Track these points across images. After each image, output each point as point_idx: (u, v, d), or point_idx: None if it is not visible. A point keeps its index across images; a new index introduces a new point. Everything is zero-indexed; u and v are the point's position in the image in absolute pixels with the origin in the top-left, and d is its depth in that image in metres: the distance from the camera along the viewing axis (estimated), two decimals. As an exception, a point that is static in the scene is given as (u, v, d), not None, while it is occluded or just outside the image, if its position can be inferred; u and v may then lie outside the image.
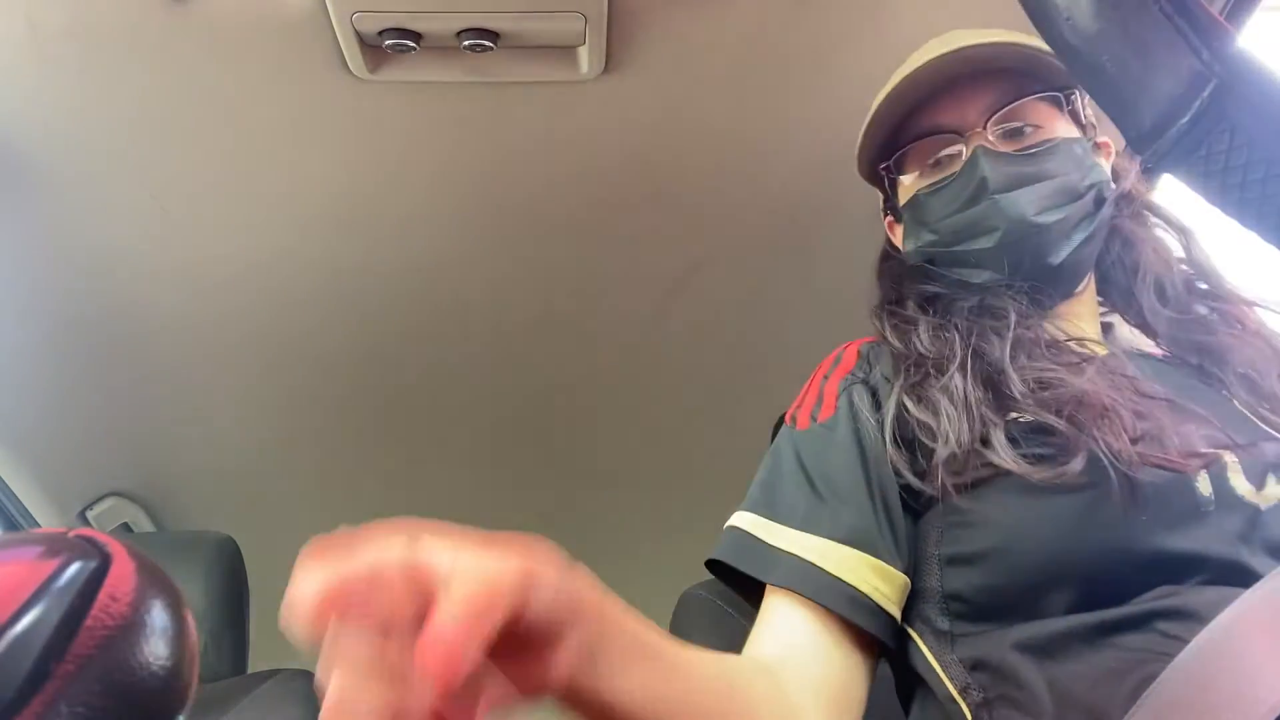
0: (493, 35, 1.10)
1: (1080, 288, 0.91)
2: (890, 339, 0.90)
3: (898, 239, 1.00)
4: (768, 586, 0.78)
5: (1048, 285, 0.87)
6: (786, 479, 0.83)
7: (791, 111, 1.27)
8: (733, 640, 1.21)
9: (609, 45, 1.14)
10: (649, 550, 2.01)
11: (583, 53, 1.15)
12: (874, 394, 0.86)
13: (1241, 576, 0.68)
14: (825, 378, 0.90)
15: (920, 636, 0.79)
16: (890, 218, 1.03)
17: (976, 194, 0.86)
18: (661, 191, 1.39)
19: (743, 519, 0.84)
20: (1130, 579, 0.69)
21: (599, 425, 1.77)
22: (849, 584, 0.75)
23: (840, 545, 0.77)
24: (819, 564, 0.76)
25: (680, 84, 1.23)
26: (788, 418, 0.90)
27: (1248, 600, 0.57)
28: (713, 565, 0.84)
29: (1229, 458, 0.73)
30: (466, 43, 1.10)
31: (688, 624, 1.24)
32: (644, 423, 1.77)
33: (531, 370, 1.67)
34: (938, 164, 0.92)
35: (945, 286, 0.91)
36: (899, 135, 0.95)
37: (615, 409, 1.75)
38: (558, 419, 1.76)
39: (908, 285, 0.94)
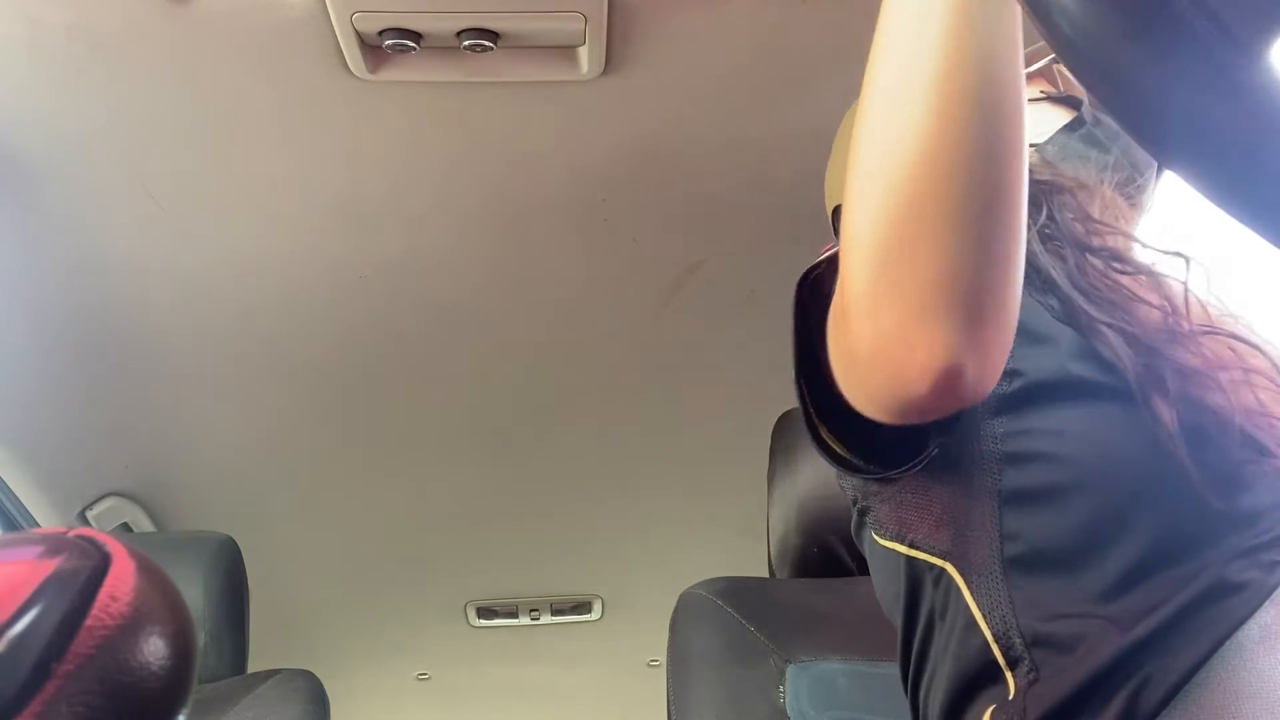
0: (493, 35, 1.10)
1: None
2: None
3: None
4: None
5: None
6: None
7: (791, 111, 1.27)
8: (733, 640, 1.22)
9: (609, 45, 1.14)
10: (649, 549, 2.01)
11: (583, 53, 1.15)
12: None
13: None
14: None
15: (964, 577, 0.74)
16: None
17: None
18: (660, 190, 1.39)
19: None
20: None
21: (599, 424, 1.77)
22: None
23: None
24: None
25: (680, 84, 1.23)
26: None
27: None
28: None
29: None
30: (466, 43, 1.10)
31: (688, 624, 1.24)
32: (644, 422, 1.77)
33: (531, 369, 1.67)
34: None
35: None
36: None
37: (615, 408, 1.75)
38: (558, 418, 1.76)
39: None
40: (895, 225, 0.55)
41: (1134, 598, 0.67)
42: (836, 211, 1.01)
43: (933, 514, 0.76)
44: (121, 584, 0.40)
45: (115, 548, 0.42)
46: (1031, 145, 0.89)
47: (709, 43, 1.17)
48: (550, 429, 1.78)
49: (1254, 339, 0.73)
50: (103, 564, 0.41)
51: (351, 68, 1.14)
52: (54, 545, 0.41)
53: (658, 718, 1.21)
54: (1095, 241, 0.78)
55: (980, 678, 0.72)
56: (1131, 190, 0.84)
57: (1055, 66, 0.95)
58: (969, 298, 0.55)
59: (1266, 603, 0.63)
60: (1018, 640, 0.69)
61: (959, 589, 0.74)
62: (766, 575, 1.41)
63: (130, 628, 0.39)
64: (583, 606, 2.19)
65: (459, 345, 1.61)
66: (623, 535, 1.99)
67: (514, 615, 2.19)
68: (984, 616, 0.72)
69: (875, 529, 0.83)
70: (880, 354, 0.57)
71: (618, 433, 1.79)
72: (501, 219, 1.41)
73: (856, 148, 0.59)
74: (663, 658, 1.25)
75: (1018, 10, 0.53)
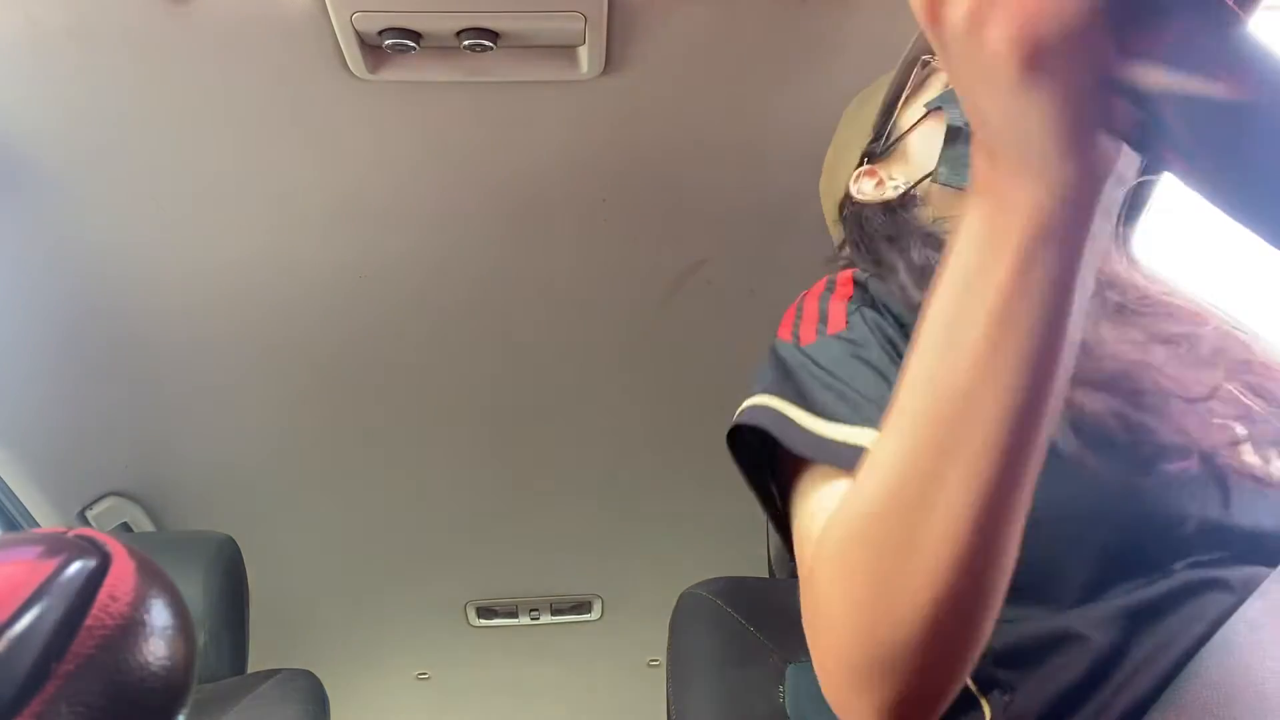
0: (492, 35, 1.10)
1: None
2: (905, 285, 0.82)
3: (907, 168, 0.93)
4: (808, 470, 0.71)
5: None
6: (809, 380, 0.75)
7: (791, 111, 1.27)
8: (733, 640, 1.22)
9: (609, 45, 1.15)
10: (649, 549, 2.01)
11: (582, 52, 1.15)
12: (895, 321, 0.80)
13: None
14: (822, 298, 0.85)
15: None
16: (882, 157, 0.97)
17: None
18: (661, 190, 1.39)
19: (770, 400, 0.75)
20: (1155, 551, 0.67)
21: (599, 424, 1.77)
22: None
23: None
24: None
25: (680, 84, 1.23)
26: (783, 335, 0.83)
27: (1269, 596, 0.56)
28: (734, 436, 0.78)
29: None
30: (466, 42, 1.10)
31: (688, 623, 1.24)
32: (644, 421, 1.77)
33: (531, 369, 1.67)
34: None
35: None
36: None
37: (615, 408, 1.75)
38: (558, 417, 1.76)
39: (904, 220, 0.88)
40: (883, 648, 0.54)
41: (1101, 605, 0.67)
42: (837, 207, 1.00)
43: None
44: (121, 584, 0.40)
45: (115, 548, 0.42)
46: (926, 177, 0.89)
47: (709, 43, 1.17)
48: (550, 429, 1.78)
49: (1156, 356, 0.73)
50: (103, 564, 0.41)
51: (351, 67, 1.14)
52: (54, 545, 0.41)
53: (658, 718, 1.21)
54: None
55: (954, 710, 0.73)
56: None
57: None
58: (938, 706, 0.56)
59: (1253, 596, 0.64)
60: (987, 662, 0.70)
61: None
62: (766, 575, 1.41)
63: (130, 628, 0.39)
64: (583, 606, 2.19)
65: (459, 345, 1.61)
66: (623, 535, 1.99)
67: (514, 615, 2.20)
68: None
69: None
70: (839, 700, 0.58)
71: (618, 432, 1.79)
72: (501, 219, 1.41)
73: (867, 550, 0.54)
74: (663, 658, 1.24)
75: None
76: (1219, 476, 0.68)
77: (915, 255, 0.83)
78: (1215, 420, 0.70)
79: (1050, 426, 0.49)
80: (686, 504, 1.90)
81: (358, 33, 1.09)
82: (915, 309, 0.77)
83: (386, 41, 1.09)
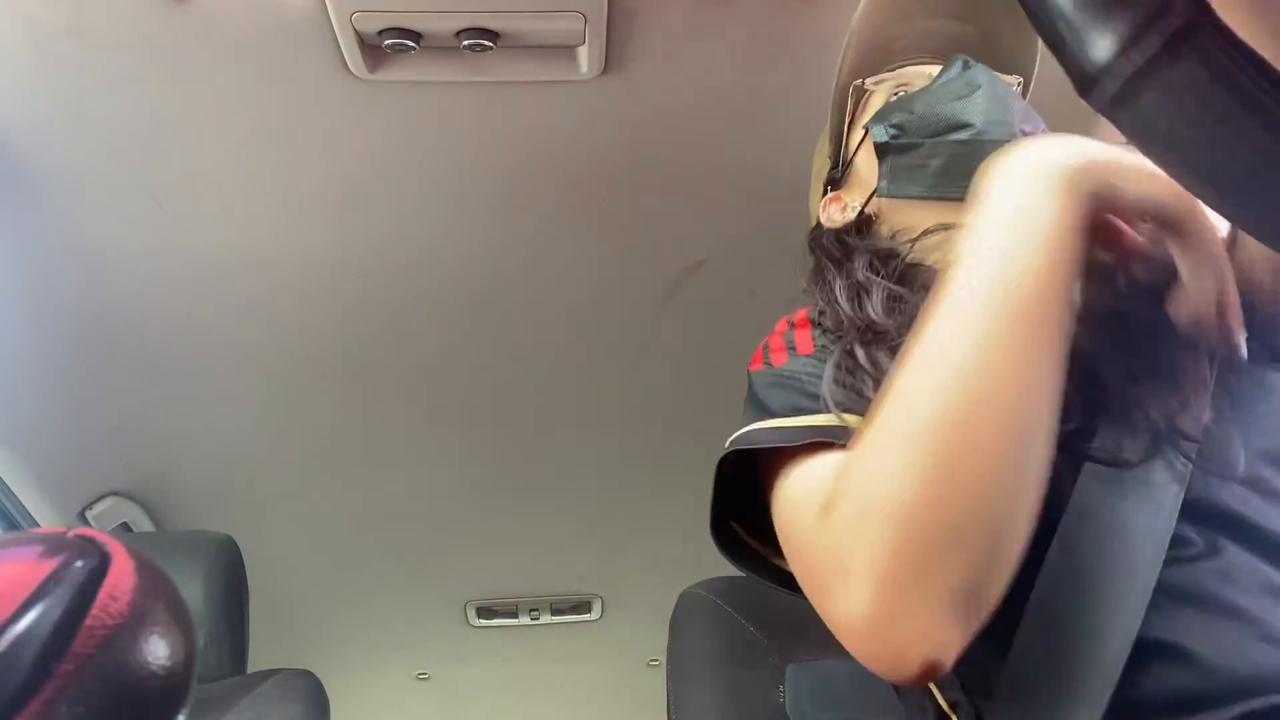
0: (492, 35, 1.10)
1: None
2: (840, 303, 0.84)
3: (856, 192, 0.96)
4: (786, 466, 0.72)
5: None
6: (785, 387, 0.77)
7: (791, 111, 1.27)
8: (732, 640, 1.22)
9: (608, 45, 1.15)
10: (649, 549, 2.01)
11: (582, 52, 1.15)
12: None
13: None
14: (786, 335, 0.87)
15: None
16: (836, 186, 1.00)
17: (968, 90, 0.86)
18: (661, 190, 1.39)
19: (743, 431, 0.78)
20: None
21: (599, 424, 1.78)
22: None
23: None
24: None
25: (680, 84, 1.23)
26: (756, 365, 0.86)
27: None
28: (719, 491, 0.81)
29: None
30: (466, 42, 1.10)
31: (687, 623, 1.24)
32: (644, 421, 1.77)
33: (531, 368, 1.67)
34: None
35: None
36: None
37: (615, 408, 1.75)
38: (557, 418, 1.76)
39: (857, 243, 0.90)
40: (931, 533, 0.56)
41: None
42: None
43: None
44: (121, 584, 0.40)
45: (115, 547, 0.42)
46: (872, 194, 0.91)
47: (709, 43, 1.17)
48: (550, 428, 1.78)
49: None
50: (102, 564, 0.41)
51: (351, 67, 1.14)
52: (54, 545, 0.41)
53: (657, 718, 1.21)
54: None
55: None
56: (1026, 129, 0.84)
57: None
58: (984, 606, 0.57)
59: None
60: (954, 680, 0.71)
61: None
62: (766, 575, 1.41)
63: (130, 628, 0.39)
64: (582, 606, 2.19)
65: (459, 345, 1.61)
66: (623, 535, 1.99)
67: (514, 615, 2.20)
68: None
69: None
70: (879, 626, 0.57)
71: (617, 432, 1.79)
72: (501, 219, 1.41)
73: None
74: (663, 657, 1.25)
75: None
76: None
77: (859, 274, 0.84)
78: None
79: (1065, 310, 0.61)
80: (686, 504, 1.89)
81: (357, 33, 1.09)
82: (853, 324, 0.79)
83: (386, 41, 1.09)
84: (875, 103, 0.94)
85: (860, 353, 0.75)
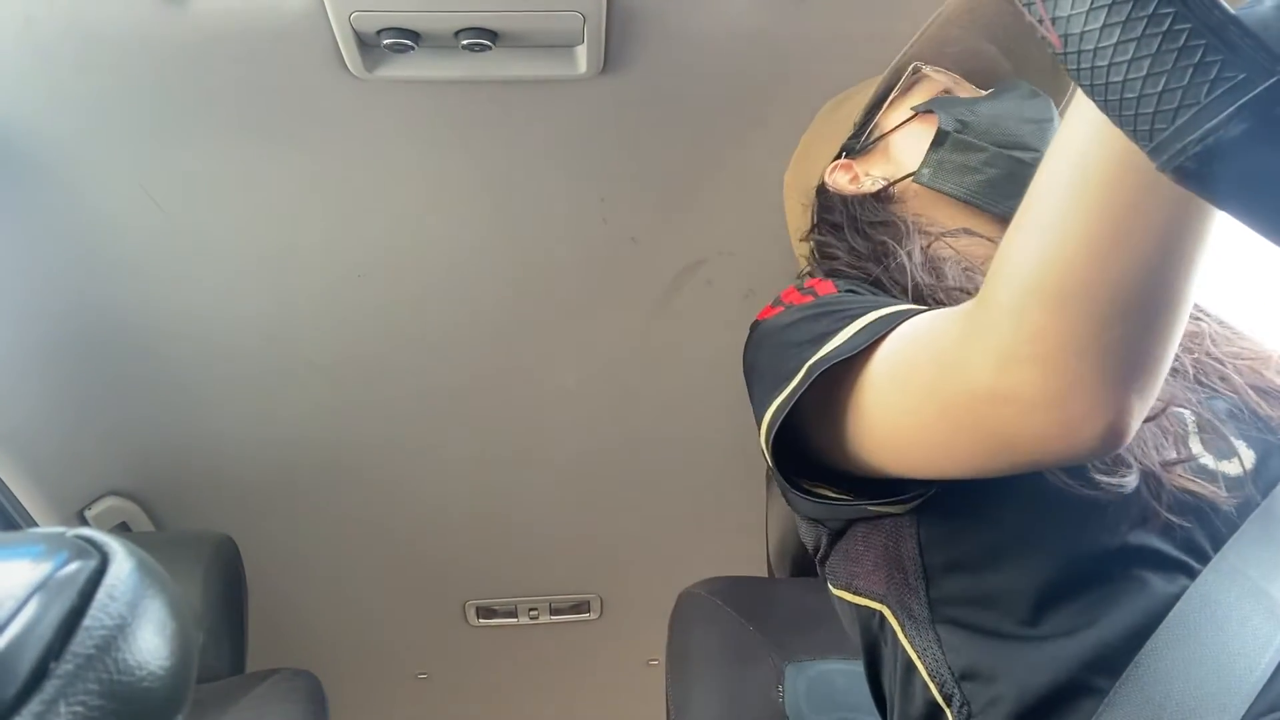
0: (491, 34, 1.10)
1: None
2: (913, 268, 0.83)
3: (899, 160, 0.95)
4: (866, 362, 0.70)
5: None
6: (845, 310, 0.74)
7: (789, 110, 1.27)
8: (732, 639, 1.22)
9: (607, 44, 1.15)
10: (649, 549, 2.01)
11: (581, 52, 1.15)
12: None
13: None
14: (801, 289, 0.86)
15: (898, 620, 0.77)
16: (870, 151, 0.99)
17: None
18: (660, 190, 1.39)
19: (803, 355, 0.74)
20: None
21: (599, 424, 1.77)
22: None
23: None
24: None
25: (679, 83, 1.23)
26: (773, 312, 0.84)
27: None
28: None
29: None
30: (465, 42, 1.10)
31: (687, 623, 1.24)
32: (644, 421, 1.77)
33: (531, 369, 1.67)
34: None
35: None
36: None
37: (615, 408, 1.75)
38: (557, 418, 1.76)
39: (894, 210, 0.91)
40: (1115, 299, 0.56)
41: (1056, 616, 0.68)
42: (806, 195, 1.02)
43: (871, 558, 0.79)
44: (120, 583, 0.40)
45: (114, 547, 0.42)
46: (906, 176, 0.91)
47: (708, 42, 1.17)
48: (550, 428, 1.78)
49: None
50: (101, 563, 0.41)
51: (350, 67, 1.14)
52: (52, 544, 0.41)
53: (657, 717, 1.21)
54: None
55: (924, 718, 0.74)
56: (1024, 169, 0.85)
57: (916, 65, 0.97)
58: (1155, 376, 0.58)
59: (1205, 570, 0.65)
60: (950, 677, 0.72)
61: (895, 631, 0.77)
62: (765, 575, 1.42)
63: (129, 628, 0.39)
64: (582, 606, 2.19)
65: (457, 344, 1.61)
66: (622, 535, 1.99)
67: (513, 615, 2.19)
68: (919, 656, 0.75)
69: (830, 579, 0.86)
70: (1056, 401, 0.57)
71: (617, 432, 1.79)
72: (500, 218, 1.41)
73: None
74: (662, 657, 1.25)
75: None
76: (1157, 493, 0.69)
77: (922, 246, 0.85)
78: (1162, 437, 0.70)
79: None
80: (686, 504, 1.90)
81: (356, 32, 1.09)
82: (917, 290, 0.79)
83: (385, 41, 1.09)
84: (922, 92, 0.95)
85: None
